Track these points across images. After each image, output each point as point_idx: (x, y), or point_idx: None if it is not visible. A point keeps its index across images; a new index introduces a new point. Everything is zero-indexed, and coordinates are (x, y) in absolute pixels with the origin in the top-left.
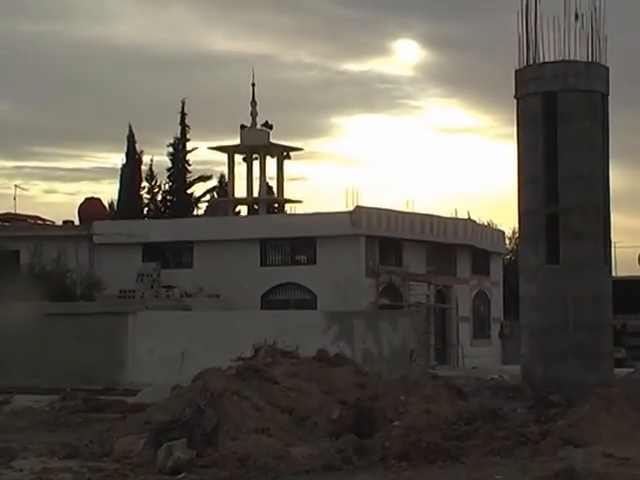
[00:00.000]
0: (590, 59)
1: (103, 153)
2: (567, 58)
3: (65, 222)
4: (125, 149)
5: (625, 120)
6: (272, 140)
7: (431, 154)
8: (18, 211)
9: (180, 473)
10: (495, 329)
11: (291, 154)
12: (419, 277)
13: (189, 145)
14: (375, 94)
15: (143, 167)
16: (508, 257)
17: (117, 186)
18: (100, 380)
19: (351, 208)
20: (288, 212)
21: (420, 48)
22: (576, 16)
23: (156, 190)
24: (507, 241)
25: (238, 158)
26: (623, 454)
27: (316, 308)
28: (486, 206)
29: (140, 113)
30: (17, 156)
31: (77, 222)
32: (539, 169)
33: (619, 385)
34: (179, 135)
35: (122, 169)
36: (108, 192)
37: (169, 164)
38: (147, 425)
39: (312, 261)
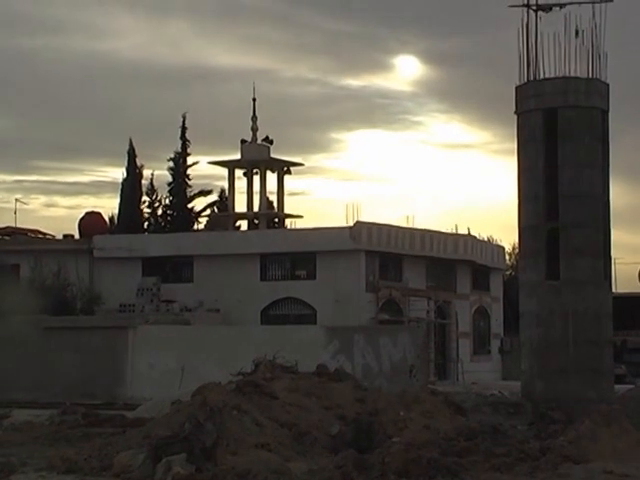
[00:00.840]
0: (590, 76)
1: (103, 167)
2: (567, 75)
3: (65, 236)
4: (125, 163)
5: (629, 137)
6: (272, 155)
7: (431, 169)
8: (18, 225)
9: None
10: (495, 345)
11: (291, 169)
12: (419, 292)
13: (189, 159)
14: (375, 109)
15: (143, 181)
16: (508, 273)
17: (117, 200)
18: (100, 394)
19: (351, 223)
20: (288, 227)
21: (420, 64)
22: (576, 33)
23: (156, 204)
24: (507, 257)
25: (238, 173)
26: (623, 471)
27: (316, 323)
28: (486, 222)
29: (141, 127)
30: (18, 170)
31: (77, 236)
32: (539, 185)
33: (619, 402)
34: (179, 149)
35: (122, 183)
36: (108, 206)
37: (169, 178)
38: (146, 440)
39: (312, 276)
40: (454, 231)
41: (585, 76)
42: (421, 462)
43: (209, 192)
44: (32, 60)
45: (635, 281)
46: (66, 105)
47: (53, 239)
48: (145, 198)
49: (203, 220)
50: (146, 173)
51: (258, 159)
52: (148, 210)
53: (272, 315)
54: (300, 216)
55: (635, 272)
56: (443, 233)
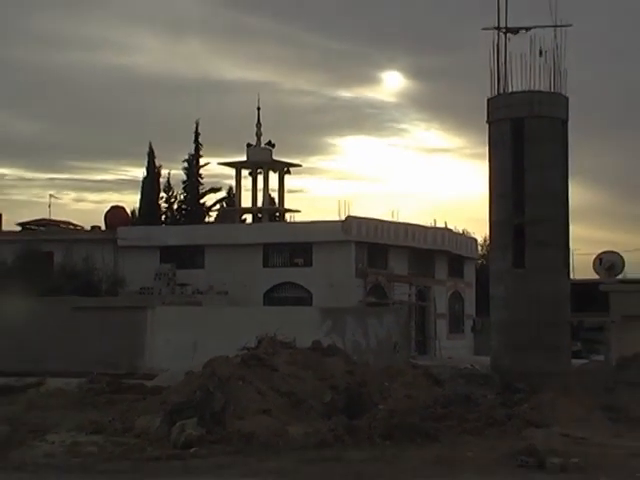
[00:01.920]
0: (552, 90)
1: (126, 167)
2: (532, 89)
3: (93, 227)
4: (145, 164)
5: (585, 143)
6: (274, 157)
7: (413, 171)
8: (52, 217)
9: (191, 448)
10: (468, 325)
11: (291, 169)
12: (402, 278)
13: (202, 161)
14: (364, 118)
15: (161, 180)
16: (480, 262)
17: (138, 196)
18: (122, 366)
19: (343, 217)
20: (288, 220)
21: (404, 78)
22: (540, 52)
23: (172, 200)
24: (479, 248)
25: (244, 173)
26: (578, 434)
27: (312, 305)
28: (461, 217)
29: (159, 132)
30: (51, 169)
31: (103, 227)
32: (508, 185)
33: (576, 374)
34: (193, 152)
35: (143, 181)
36: (130, 201)
37: (184, 177)
38: (163, 405)
39: (308, 264)
40: (433, 225)
41: (548, 90)
42: (403, 426)
43: (218, 189)
44: (65, 73)
45: (590, 269)
46: (94, 113)
47: (82, 230)
48: (162, 194)
49: (213, 214)
50: (163, 172)
51: (262, 161)
52: (165, 205)
53: (273, 297)
54: (298, 211)
55: (590, 261)
56: (423, 226)
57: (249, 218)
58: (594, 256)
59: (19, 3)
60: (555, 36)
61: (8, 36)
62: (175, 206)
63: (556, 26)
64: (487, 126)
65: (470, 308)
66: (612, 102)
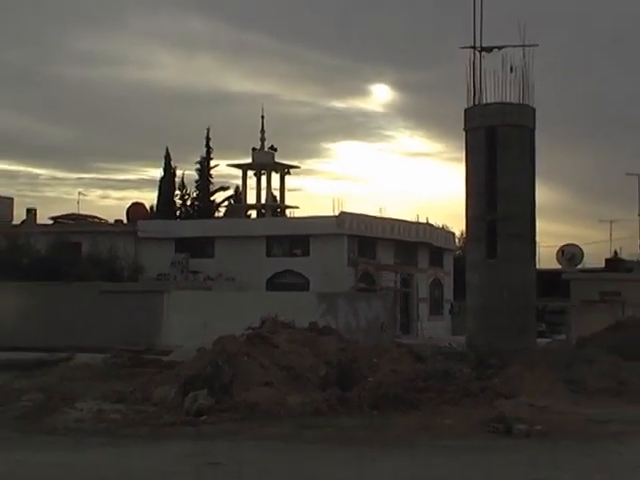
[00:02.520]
0: (521, 102)
1: (146, 168)
2: (504, 100)
3: (116, 221)
4: (162, 165)
5: (549, 149)
6: (276, 160)
7: (399, 172)
8: (80, 212)
9: (202, 415)
10: (446, 308)
11: (291, 171)
12: (388, 267)
13: (212, 163)
14: (355, 125)
15: (176, 179)
16: (457, 253)
17: (156, 194)
18: (142, 343)
19: (337, 213)
20: (288, 216)
21: (391, 90)
22: (511, 69)
23: (186, 197)
24: (457, 240)
25: (250, 173)
26: (542, 404)
27: (309, 290)
28: (441, 213)
29: (174, 138)
30: (80, 170)
31: (125, 221)
32: (482, 185)
33: (540, 352)
34: (204, 155)
35: (160, 180)
36: (149, 198)
37: (196, 177)
38: (177, 378)
39: (306, 254)
40: (416, 220)
41: (517, 102)
42: (389, 397)
43: (227, 188)
44: (92, 86)
45: (554, 260)
46: (117, 120)
47: (107, 223)
48: (177, 192)
49: (222, 210)
50: (178, 173)
51: (265, 163)
52: (179, 201)
53: (275, 284)
54: (297, 207)
55: (554, 253)
56: (407, 222)
57: (254, 213)
58: (557, 248)
59: (56, 24)
60: (524, 55)
61: (45, 53)
62: (188, 202)
63: (524, 46)
64: (464, 133)
65: (448, 293)
66: (574, 113)
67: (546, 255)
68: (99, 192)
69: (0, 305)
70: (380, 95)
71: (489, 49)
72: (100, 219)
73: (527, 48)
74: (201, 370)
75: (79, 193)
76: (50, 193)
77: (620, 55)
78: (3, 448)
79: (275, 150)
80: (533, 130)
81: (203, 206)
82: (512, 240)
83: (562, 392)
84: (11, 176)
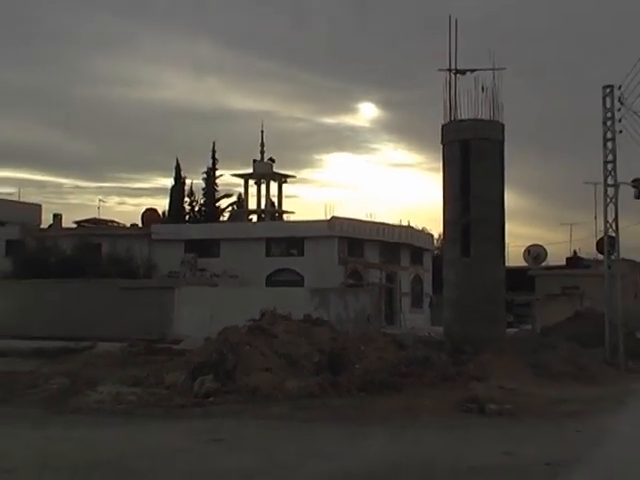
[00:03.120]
0: (492, 118)
1: (158, 177)
2: (477, 117)
3: (132, 225)
4: (173, 175)
5: (517, 160)
6: (275, 170)
7: (384, 181)
8: (100, 217)
9: (209, 397)
10: (426, 302)
11: (287, 179)
12: (374, 265)
13: (217, 172)
14: (345, 139)
15: (185, 187)
16: (435, 252)
17: (167, 200)
18: (155, 333)
19: (328, 217)
20: (285, 220)
21: (376, 108)
22: (482, 89)
23: (194, 203)
24: (435, 241)
25: (251, 182)
26: (511, 386)
27: (303, 286)
28: (421, 217)
29: (184, 150)
30: (100, 179)
31: (140, 225)
32: (457, 192)
33: (509, 340)
34: (210, 165)
35: (171, 189)
36: (161, 205)
37: (203, 185)
38: (187, 364)
39: (301, 254)
40: (399, 223)
41: (488, 118)
42: (375, 381)
43: (231, 195)
44: (110, 104)
45: (521, 258)
46: (132, 135)
47: (124, 227)
48: (186, 199)
49: (226, 214)
50: (187, 182)
51: (264, 173)
52: (188, 207)
53: (273, 280)
54: (293, 212)
55: (521, 252)
56: (391, 225)
57: (254, 218)
58: (524, 248)
59: (78, 50)
60: (494, 77)
61: (69, 76)
62: (196, 208)
63: (494, 69)
64: (441, 146)
65: (428, 288)
66: (539, 127)
67: (514, 254)
68: (117, 199)
69: (30, 300)
70: (367, 112)
71: (463, 71)
72: (118, 223)
73: (496, 71)
74: (208, 357)
75: (99, 200)
76: (74, 200)
77: (579, 79)
78: (33, 425)
79: (273, 161)
80: (502, 143)
81: (209, 211)
82: (484, 241)
83: (528, 376)
84: (39, 185)
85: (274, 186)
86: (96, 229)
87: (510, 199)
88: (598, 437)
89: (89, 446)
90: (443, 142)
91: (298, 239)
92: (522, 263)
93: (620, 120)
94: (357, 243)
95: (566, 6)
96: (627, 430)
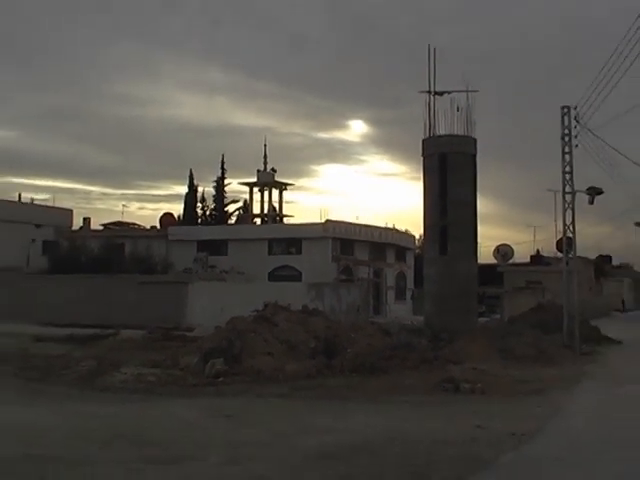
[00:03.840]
0: (466, 134)
1: (174, 185)
2: (452, 133)
3: (151, 227)
4: (187, 183)
5: (488, 169)
6: (276, 179)
7: (371, 188)
8: (124, 220)
9: (219, 378)
10: (409, 294)
11: (287, 187)
12: (363, 263)
13: (226, 181)
14: (337, 152)
15: (198, 194)
16: (417, 251)
17: (182, 205)
18: (171, 322)
19: (323, 221)
20: (285, 222)
21: (365, 125)
22: (457, 108)
23: (205, 208)
24: (416, 242)
25: (255, 189)
26: (482, 368)
27: (301, 281)
28: (404, 220)
29: (196, 162)
30: (123, 187)
31: (158, 227)
32: (436, 199)
33: (480, 328)
34: (220, 175)
35: (185, 195)
36: (177, 209)
37: (213, 192)
38: (199, 349)
39: (299, 252)
40: (385, 226)
41: (463, 134)
42: (364, 364)
43: (237, 201)
44: (131, 122)
45: (491, 256)
46: (151, 148)
47: (144, 229)
48: (199, 204)
49: (234, 218)
50: (199, 189)
51: (267, 181)
52: (200, 212)
53: (275, 276)
54: (292, 216)
55: (491, 251)
56: (378, 227)
57: (258, 221)
58: (493, 247)
59: (102, 73)
60: (467, 98)
61: (95, 97)
62: (207, 212)
63: (467, 91)
64: (422, 158)
65: (410, 283)
66: (508, 142)
67: (485, 253)
68: (138, 205)
69: (63, 293)
70: (356, 128)
71: (441, 93)
72: (139, 226)
73: (470, 93)
74: (218, 343)
75: (122, 205)
76: (100, 205)
77: (541, 101)
78: (66, 402)
79: (275, 171)
80: (475, 156)
81: (219, 215)
82: (459, 241)
83: (497, 359)
84: (70, 192)
85: (275, 193)
86: (120, 231)
87: (482, 205)
88: (556, 411)
89: (114, 420)
90: (423, 155)
91: (296, 240)
92: (492, 260)
93: (576, 136)
94: (348, 243)
95: (533, 34)
96: (580, 405)
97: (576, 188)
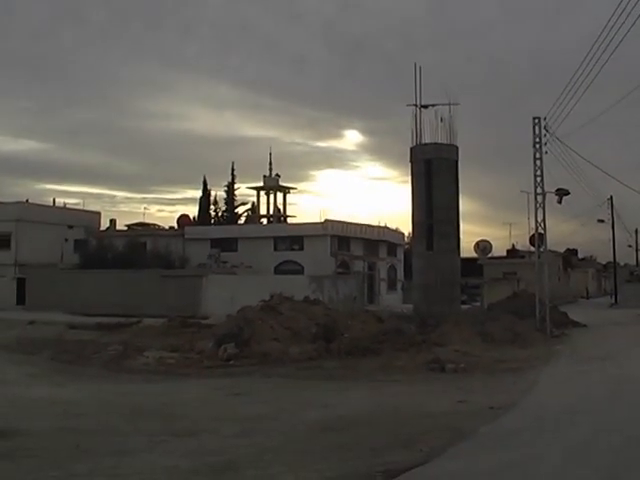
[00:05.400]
0: (449, 142)
1: (189, 190)
2: (437, 141)
3: (170, 227)
4: (201, 188)
5: (469, 173)
6: (280, 183)
7: (365, 191)
8: (145, 221)
9: (231, 361)
10: (399, 285)
11: (290, 191)
12: (359, 257)
13: (236, 186)
14: (334, 159)
15: (211, 198)
16: (406, 247)
17: (197, 208)
18: (188, 311)
19: (322, 220)
20: (288, 222)
21: (359, 134)
22: (441, 120)
23: (217, 210)
24: (406, 238)
25: (262, 193)
26: (465, 350)
27: (303, 274)
28: (395, 219)
29: (209, 169)
30: (144, 192)
31: (176, 227)
32: (423, 200)
33: (463, 314)
34: (230, 180)
35: (200, 199)
36: (192, 211)
37: (225, 196)
38: (213, 335)
39: (301, 249)
40: (378, 224)
41: (446, 142)
42: (359, 347)
43: (246, 203)
44: (152, 134)
45: (472, 251)
46: (169, 158)
47: (163, 229)
48: (212, 207)
49: (243, 218)
50: (212, 193)
51: (272, 185)
52: (213, 213)
53: (280, 270)
54: (295, 216)
55: (472, 246)
56: (371, 225)
57: (265, 221)
58: (474, 243)
59: (127, 90)
60: (450, 110)
61: (119, 112)
62: (219, 214)
63: (450, 104)
64: (410, 164)
65: (400, 275)
66: (486, 148)
67: (467, 247)
68: (157, 207)
69: (92, 286)
70: (351, 138)
71: (426, 106)
72: (159, 226)
73: (452, 106)
74: (229, 330)
75: (144, 208)
76: (124, 208)
77: (516, 112)
78: (97, 382)
79: (279, 176)
80: (457, 162)
81: (229, 216)
82: (443, 238)
83: (477, 341)
84: (98, 197)
85: (280, 196)
86: (142, 231)
87: (464, 205)
88: (529, 387)
89: (139, 397)
90: (411, 161)
91: (299, 237)
92: (473, 254)
93: (546, 144)
94: (345, 240)
95: (505, 57)
96: (551, 380)
97: (546, 190)
